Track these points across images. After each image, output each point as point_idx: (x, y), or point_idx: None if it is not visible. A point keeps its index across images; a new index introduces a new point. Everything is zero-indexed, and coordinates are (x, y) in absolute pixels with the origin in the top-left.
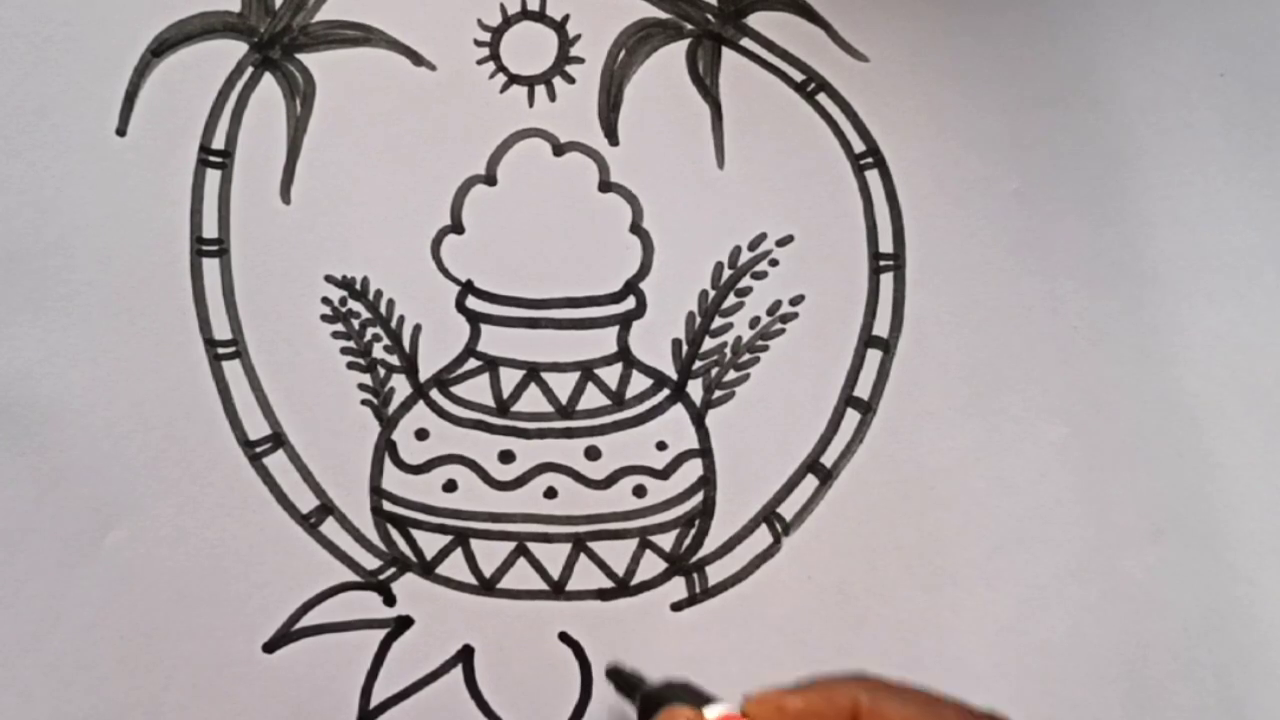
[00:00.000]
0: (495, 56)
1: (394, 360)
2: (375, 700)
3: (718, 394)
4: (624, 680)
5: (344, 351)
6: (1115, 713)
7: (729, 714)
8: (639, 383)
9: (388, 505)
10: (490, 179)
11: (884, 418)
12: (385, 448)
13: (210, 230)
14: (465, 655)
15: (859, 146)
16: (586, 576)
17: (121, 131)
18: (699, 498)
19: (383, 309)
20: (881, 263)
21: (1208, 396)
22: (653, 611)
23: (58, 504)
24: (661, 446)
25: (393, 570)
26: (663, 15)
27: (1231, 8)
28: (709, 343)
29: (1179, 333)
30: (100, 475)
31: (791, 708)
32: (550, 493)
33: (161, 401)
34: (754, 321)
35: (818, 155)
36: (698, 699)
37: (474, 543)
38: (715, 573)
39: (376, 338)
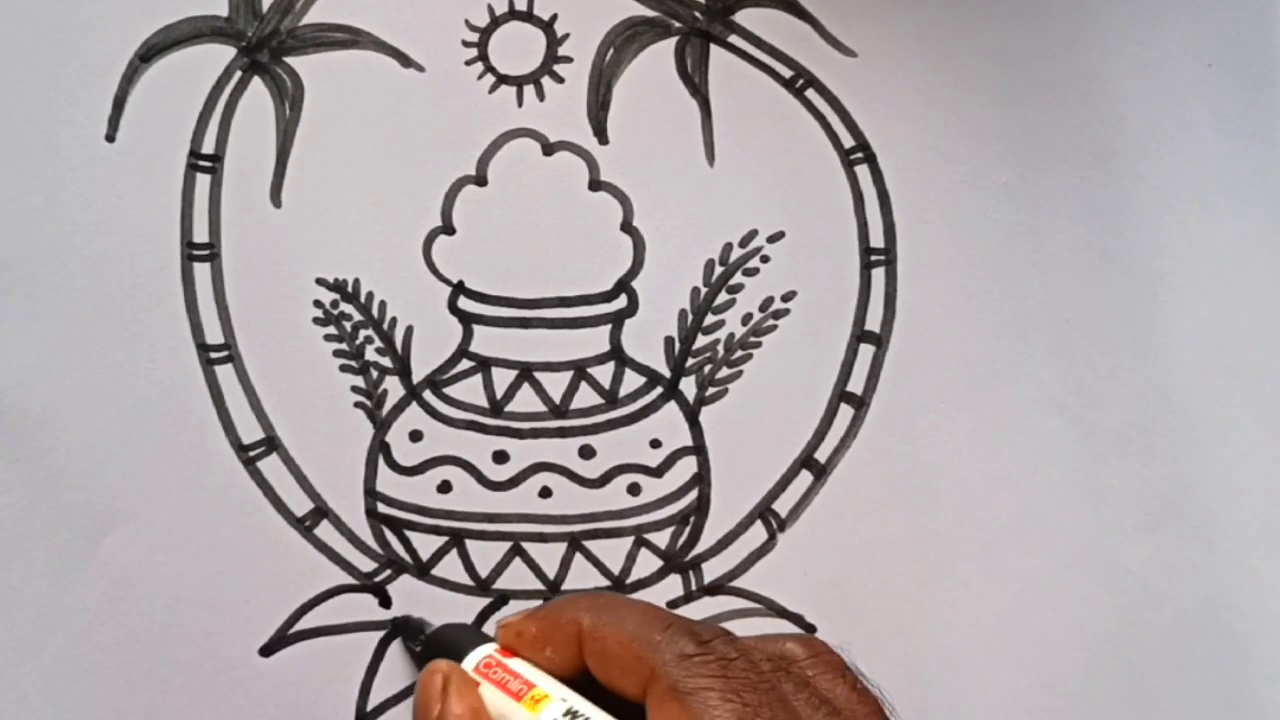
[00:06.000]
0: (483, 57)
1: (387, 362)
2: (373, 702)
3: (711, 391)
4: (409, 628)
5: (336, 354)
6: (1113, 704)
7: (488, 656)
8: (632, 381)
9: (382, 507)
10: (480, 179)
11: (877, 412)
12: (379, 450)
13: (201, 234)
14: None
15: (848, 142)
16: (583, 576)
17: (110, 137)
18: (693, 495)
19: (375, 311)
20: (873, 257)
21: (1201, 386)
22: None
23: (51, 510)
24: (655, 444)
25: (388, 572)
26: (650, 13)
27: None
28: (702, 340)
29: (1172, 323)
30: (94, 481)
31: (527, 633)
32: (545, 492)
33: (154, 406)
34: (746, 318)
35: (807, 151)
36: (472, 641)
37: (469, 543)
38: (711, 570)
39: (369, 340)
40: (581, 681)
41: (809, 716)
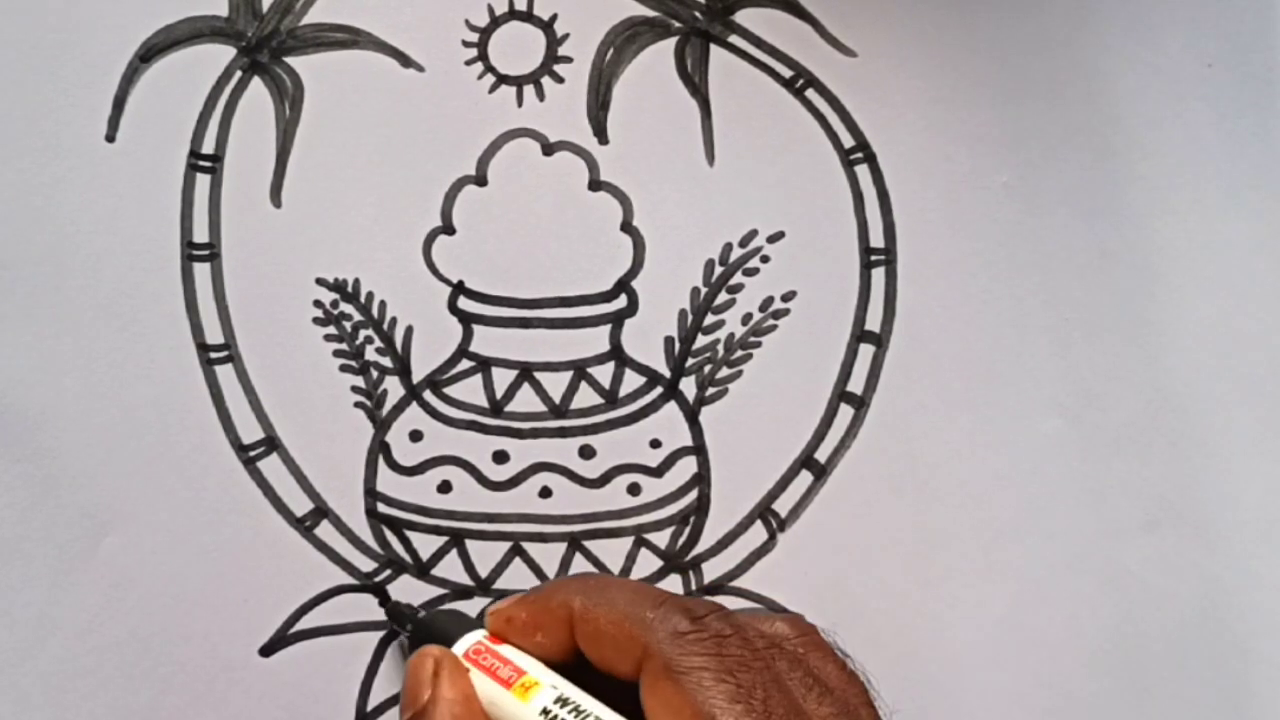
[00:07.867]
0: (483, 57)
1: (387, 362)
2: (373, 702)
3: (711, 391)
4: (398, 614)
5: (336, 354)
6: (1112, 704)
7: (477, 642)
8: (632, 381)
9: (382, 507)
10: (480, 179)
11: (877, 412)
12: (379, 450)
13: (201, 234)
14: None
15: (848, 142)
16: None
17: (110, 137)
18: (693, 495)
19: (375, 311)
20: (873, 257)
21: (1201, 386)
22: None
23: (51, 511)
24: (655, 444)
25: (388, 572)
26: (650, 13)
27: None
28: (701, 340)
29: (1171, 323)
30: (94, 481)
31: (517, 619)
32: (545, 492)
33: (154, 406)
34: (746, 318)
35: (807, 151)
36: (463, 627)
37: (469, 544)
38: (711, 570)
39: (369, 340)
40: (574, 666)
41: (802, 696)
